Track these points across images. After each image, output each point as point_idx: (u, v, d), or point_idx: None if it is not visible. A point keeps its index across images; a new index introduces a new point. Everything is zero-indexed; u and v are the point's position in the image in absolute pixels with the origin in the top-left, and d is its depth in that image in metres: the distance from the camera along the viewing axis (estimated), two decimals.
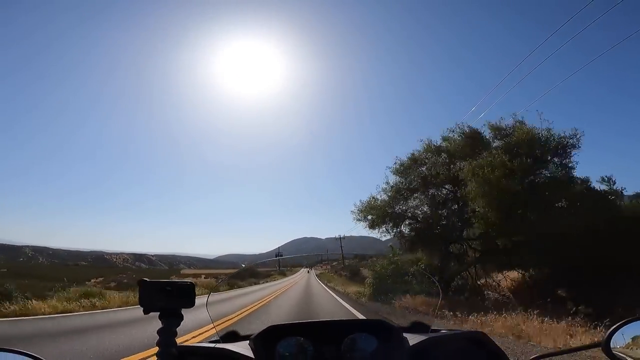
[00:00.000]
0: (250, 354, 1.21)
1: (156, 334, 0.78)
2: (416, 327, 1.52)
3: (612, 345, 0.89)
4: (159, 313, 0.78)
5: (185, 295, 0.77)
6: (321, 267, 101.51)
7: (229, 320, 7.81)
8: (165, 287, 0.76)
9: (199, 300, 0.86)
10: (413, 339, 1.29)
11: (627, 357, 0.88)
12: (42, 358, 0.88)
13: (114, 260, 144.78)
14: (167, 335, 0.75)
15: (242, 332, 1.52)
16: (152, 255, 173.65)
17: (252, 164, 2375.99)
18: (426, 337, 1.31)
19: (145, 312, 0.78)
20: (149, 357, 4.05)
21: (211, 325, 4.40)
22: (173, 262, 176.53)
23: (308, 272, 75.86)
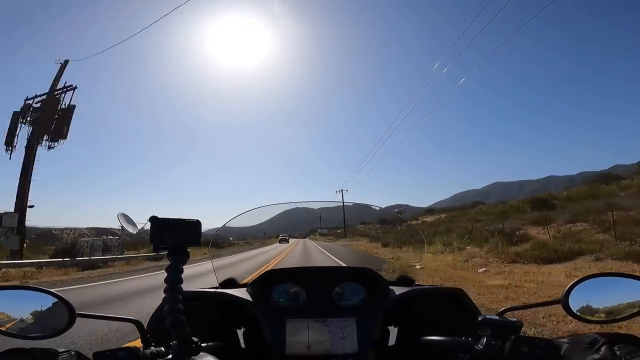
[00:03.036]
0: (248, 298, 1.35)
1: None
2: (402, 281, 1.59)
3: (570, 302, 0.97)
4: (167, 251, 0.78)
5: (192, 233, 0.78)
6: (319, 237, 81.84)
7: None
8: (173, 224, 0.77)
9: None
10: (398, 290, 1.42)
11: (584, 314, 0.96)
12: (63, 297, 0.91)
13: (63, 236, 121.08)
14: (175, 272, 0.76)
15: (239, 280, 1.63)
16: (117, 230, 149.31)
17: (239, 137, 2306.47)
18: (410, 289, 1.44)
19: (155, 248, 0.77)
20: None
21: None
22: (144, 237, 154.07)
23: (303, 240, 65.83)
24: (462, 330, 1.13)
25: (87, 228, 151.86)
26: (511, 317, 1.04)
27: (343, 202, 47.33)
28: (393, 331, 1.45)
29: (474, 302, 1.37)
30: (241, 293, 1.38)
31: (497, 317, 1.04)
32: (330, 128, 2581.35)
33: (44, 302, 0.92)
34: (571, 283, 0.99)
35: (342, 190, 53.80)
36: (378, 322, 1.29)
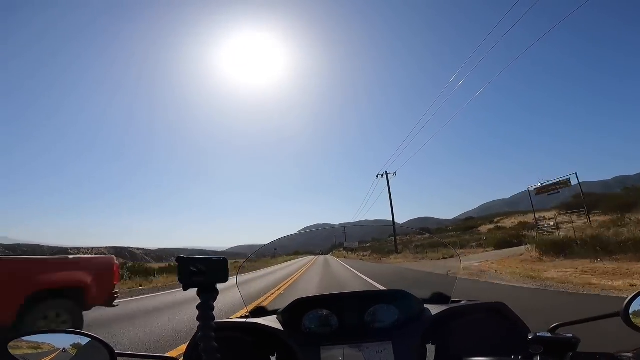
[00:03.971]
0: (279, 326, 1.31)
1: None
2: (437, 298, 1.54)
3: (631, 314, 0.93)
4: (197, 289, 0.78)
5: (219, 270, 0.78)
6: (342, 254, 74.17)
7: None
8: (200, 263, 0.77)
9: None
10: (434, 309, 1.34)
11: None
12: (102, 338, 0.97)
13: (77, 255, 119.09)
14: (206, 310, 0.76)
15: (269, 308, 1.61)
16: (136, 249, 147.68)
17: (260, 154, 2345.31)
18: (447, 308, 1.35)
19: (185, 288, 0.76)
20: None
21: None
22: (162, 256, 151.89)
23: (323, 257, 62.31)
24: (507, 348, 1.08)
25: (106, 247, 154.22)
26: (565, 332, 0.96)
27: (391, 202, 39.56)
28: (430, 349, 1.26)
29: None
30: (272, 322, 1.35)
31: (549, 334, 0.96)
32: (346, 140, 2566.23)
33: (85, 344, 0.97)
34: (632, 294, 0.93)
35: (386, 174, 39.10)
36: (415, 344, 1.23)
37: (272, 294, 9.79)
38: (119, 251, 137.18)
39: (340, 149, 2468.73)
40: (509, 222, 53.49)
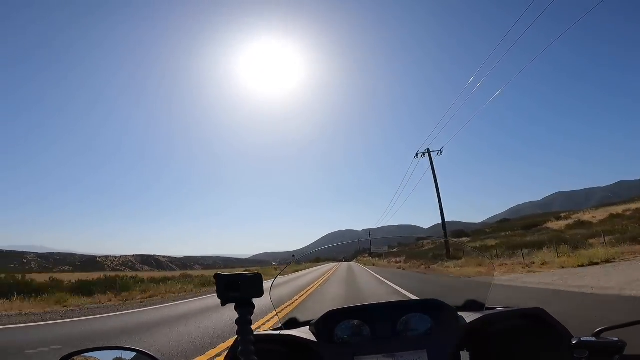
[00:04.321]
0: (312, 338, 1.32)
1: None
2: (470, 306, 1.54)
3: None
4: (234, 304, 0.82)
5: (255, 286, 0.81)
6: (366, 258, 70.83)
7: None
8: (236, 280, 0.81)
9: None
10: (468, 317, 1.33)
11: None
12: (153, 355, 1.04)
13: (107, 263, 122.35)
14: (244, 324, 0.80)
15: (301, 319, 1.62)
16: (162, 257, 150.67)
17: (283, 160, 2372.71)
18: (481, 315, 1.32)
19: (223, 304, 0.81)
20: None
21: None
22: (187, 263, 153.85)
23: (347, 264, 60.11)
24: (547, 354, 1.07)
25: (133, 255, 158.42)
26: (610, 337, 0.93)
27: (437, 186, 30.97)
28: (464, 355, 1.28)
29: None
30: (305, 333, 1.38)
31: (594, 339, 0.94)
32: (369, 146, 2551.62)
33: (131, 358, 1.07)
34: None
35: (428, 151, 30.57)
36: (450, 352, 1.22)
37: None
38: (145, 259, 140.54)
39: (363, 154, 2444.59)
40: (586, 217, 43.06)
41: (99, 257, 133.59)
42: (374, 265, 45.99)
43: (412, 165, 33.78)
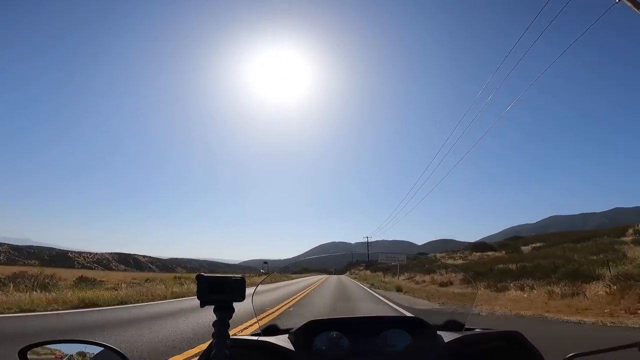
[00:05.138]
0: (290, 346, 1.31)
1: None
2: (450, 325, 1.53)
3: None
4: (213, 306, 0.81)
5: (237, 290, 0.81)
6: (359, 271, 62.63)
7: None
8: (218, 282, 0.80)
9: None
10: (447, 336, 1.34)
11: None
12: (120, 350, 1.03)
13: (80, 259, 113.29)
14: (222, 327, 0.80)
15: (282, 326, 1.60)
16: (142, 257, 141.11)
17: (278, 169, 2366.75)
18: (460, 335, 1.34)
19: (202, 305, 0.80)
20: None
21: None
22: (169, 265, 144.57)
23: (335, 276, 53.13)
24: None
25: (110, 253, 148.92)
26: None
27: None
28: None
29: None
30: (284, 341, 1.35)
31: None
32: (363, 163, 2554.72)
33: (97, 353, 1.06)
34: None
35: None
36: None
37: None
38: (123, 258, 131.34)
39: (357, 171, 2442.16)
40: None
41: (71, 252, 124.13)
42: (384, 283, 27.58)
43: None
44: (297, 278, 46.01)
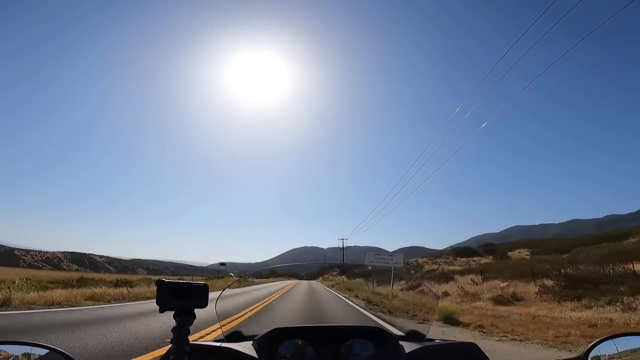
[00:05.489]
0: (253, 353, 1.30)
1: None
2: (412, 336, 1.56)
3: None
4: (173, 312, 0.79)
5: (199, 296, 0.80)
6: (332, 278, 59.77)
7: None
8: (180, 288, 0.78)
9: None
10: (408, 347, 1.38)
11: None
12: (66, 352, 0.99)
13: (27, 258, 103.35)
14: (181, 334, 0.78)
15: (246, 333, 1.59)
16: (98, 256, 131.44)
17: (250, 171, 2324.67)
18: (421, 346, 1.39)
19: (161, 310, 0.78)
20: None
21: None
22: (129, 266, 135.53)
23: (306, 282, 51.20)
24: None
25: (62, 252, 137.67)
26: None
27: None
28: None
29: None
30: (247, 348, 1.34)
31: None
32: (339, 170, 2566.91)
33: (43, 355, 1.01)
34: (594, 342, 0.92)
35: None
36: None
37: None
38: (77, 257, 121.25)
39: (330, 176, 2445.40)
40: None
41: (17, 250, 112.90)
42: (380, 296, 17.40)
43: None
44: (266, 283, 43.32)
